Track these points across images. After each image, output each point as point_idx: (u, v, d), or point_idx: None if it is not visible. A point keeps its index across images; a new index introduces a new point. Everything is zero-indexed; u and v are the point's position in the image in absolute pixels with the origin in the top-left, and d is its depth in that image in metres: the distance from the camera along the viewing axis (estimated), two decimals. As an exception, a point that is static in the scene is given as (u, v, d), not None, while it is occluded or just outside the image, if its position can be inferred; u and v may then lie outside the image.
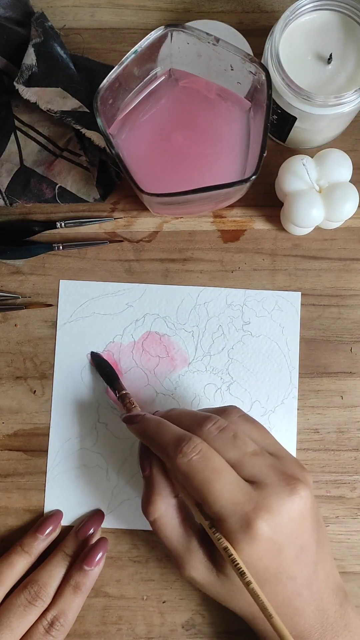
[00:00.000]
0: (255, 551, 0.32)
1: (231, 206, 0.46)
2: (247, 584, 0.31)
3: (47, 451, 0.44)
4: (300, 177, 0.41)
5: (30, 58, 0.42)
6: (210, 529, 0.33)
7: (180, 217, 0.46)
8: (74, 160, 0.44)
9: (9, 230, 0.45)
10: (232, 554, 0.32)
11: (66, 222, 0.45)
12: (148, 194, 0.36)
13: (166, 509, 0.36)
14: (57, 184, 0.44)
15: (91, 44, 0.47)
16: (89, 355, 0.44)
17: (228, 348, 0.44)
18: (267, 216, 0.46)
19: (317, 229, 0.44)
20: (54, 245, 0.45)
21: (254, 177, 0.36)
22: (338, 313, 0.45)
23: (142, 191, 0.36)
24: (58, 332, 0.44)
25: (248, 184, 0.37)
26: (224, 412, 0.37)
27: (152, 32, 0.37)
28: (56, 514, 0.43)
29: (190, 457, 0.33)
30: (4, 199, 0.44)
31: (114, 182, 0.45)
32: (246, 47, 0.45)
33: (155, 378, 0.44)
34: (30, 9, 0.46)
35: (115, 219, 0.46)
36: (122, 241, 0.46)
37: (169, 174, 0.41)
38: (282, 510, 0.32)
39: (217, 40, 0.37)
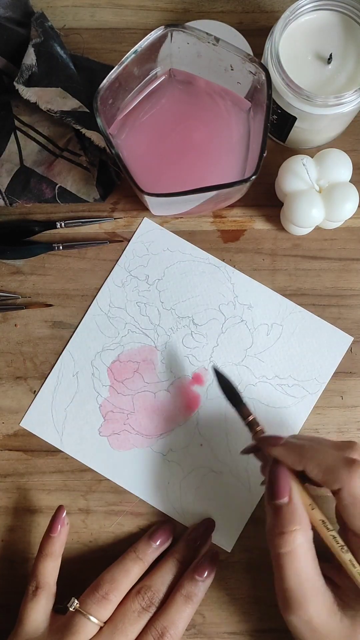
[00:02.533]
0: None
1: (231, 206, 0.46)
2: None
3: (47, 451, 0.44)
4: (300, 177, 0.41)
5: (30, 58, 0.42)
6: (350, 562, 0.31)
7: (180, 217, 0.46)
8: (74, 160, 0.44)
9: (9, 230, 0.45)
10: None
11: (66, 222, 0.45)
12: (148, 194, 0.36)
13: (304, 542, 0.33)
14: (57, 184, 0.44)
15: (91, 44, 0.47)
16: (212, 370, 0.42)
17: (159, 306, 0.45)
18: (267, 216, 0.46)
19: (317, 229, 0.44)
20: (54, 245, 0.45)
21: (254, 177, 0.36)
22: (338, 313, 0.45)
23: (142, 191, 0.36)
24: (65, 451, 0.44)
25: (248, 184, 0.37)
26: (352, 446, 0.35)
27: (152, 32, 0.37)
28: (169, 523, 0.42)
29: None
30: (4, 199, 0.44)
31: (114, 182, 0.45)
32: (246, 47, 0.45)
33: (152, 384, 0.44)
34: (30, 9, 0.46)
35: (115, 219, 0.46)
36: (122, 241, 0.46)
37: (169, 174, 0.41)
38: None
39: (217, 40, 0.37)
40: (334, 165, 0.41)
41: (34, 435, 0.44)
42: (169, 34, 0.38)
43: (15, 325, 0.45)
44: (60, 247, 0.45)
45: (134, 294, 0.45)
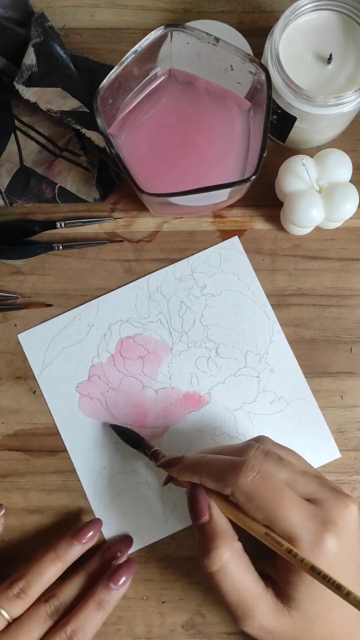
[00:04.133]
0: (328, 568, 0.31)
1: (231, 206, 0.46)
2: (347, 595, 0.29)
3: (47, 451, 0.44)
4: (300, 177, 0.41)
5: (30, 58, 0.42)
6: (289, 553, 0.31)
7: (180, 217, 0.46)
8: (74, 160, 0.44)
9: (9, 230, 0.45)
10: (321, 571, 0.30)
11: (66, 222, 0.45)
12: (148, 194, 0.36)
13: (232, 555, 0.33)
14: (57, 184, 0.44)
15: (91, 44, 0.47)
16: (107, 427, 0.44)
17: (198, 317, 0.45)
18: (267, 216, 0.46)
19: (317, 229, 0.44)
20: (54, 245, 0.45)
21: (254, 177, 0.36)
22: (338, 313, 0.45)
23: (142, 191, 0.36)
24: (39, 381, 0.44)
25: (248, 184, 0.37)
26: (257, 441, 0.37)
27: (152, 32, 0.37)
28: (96, 522, 0.41)
29: (252, 477, 0.32)
30: (4, 199, 0.44)
31: (114, 182, 0.45)
32: (246, 47, 0.45)
33: (147, 378, 0.44)
34: (30, 9, 0.46)
35: (115, 219, 0.46)
36: (122, 241, 0.46)
37: (168, 174, 0.41)
38: (344, 523, 0.33)
39: (217, 40, 0.37)
40: (334, 165, 0.41)
41: (34, 435, 0.44)
42: (169, 34, 0.38)
43: (15, 325, 0.45)
44: (60, 247, 0.45)
45: (184, 293, 0.45)
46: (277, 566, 0.35)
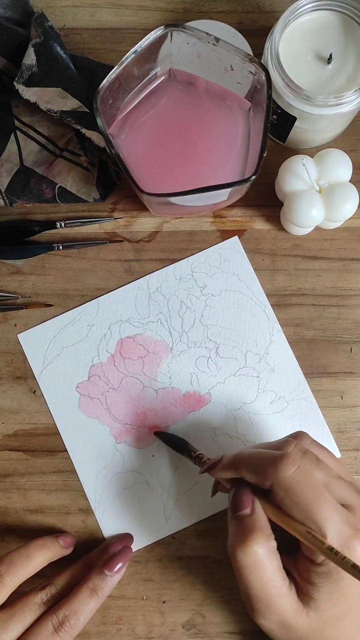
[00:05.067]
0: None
1: (231, 206, 0.46)
2: None
3: (47, 451, 0.44)
4: (300, 177, 0.41)
5: (30, 58, 0.42)
6: (330, 550, 0.31)
7: (180, 217, 0.46)
8: (74, 160, 0.44)
9: (9, 230, 0.45)
10: None
11: (66, 222, 0.45)
12: (148, 194, 0.36)
13: (267, 552, 0.33)
14: (57, 184, 0.44)
15: (91, 44, 0.47)
16: (154, 435, 0.44)
17: (198, 317, 0.45)
18: (267, 216, 0.46)
19: (317, 229, 0.44)
20: (54, 245, 0.45)
21: (254, 177, 0.36)
22: (338, 313, 0.45)
23: (142, 191, 0.36)
24: (39, 381, 0.44)
25: (248, 184, 0.37)
26: (295, 437, 0.36)
27: (152, 32, 0.37)
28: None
29: (292, 470, 0.32)
30: (4, 199, 0.44)
31: (114, 182, 0.45)
32: (246, 47, 0.45)
33: (147, 378, 0.44)
34: (30, 9, 0.46)
35: (115, 219, 0.46)
36: (122, 241, 0.46)
37: (168, 174, 0.41)
38: None
39: (217, 40, 0.37)
40: (334, 165, 0.41)
41: (34, 435, 0.44)
42: (169, 34, 0.38)
43: (15, 325, 0.45)
44: (60, 247, 0.45)
45: (184, 293, 0.45)
46: (300, 566, 0.35)
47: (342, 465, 0.38)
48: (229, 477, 0.36)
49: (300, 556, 0.35)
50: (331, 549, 0.31)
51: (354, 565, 0.30)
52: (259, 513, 0.34)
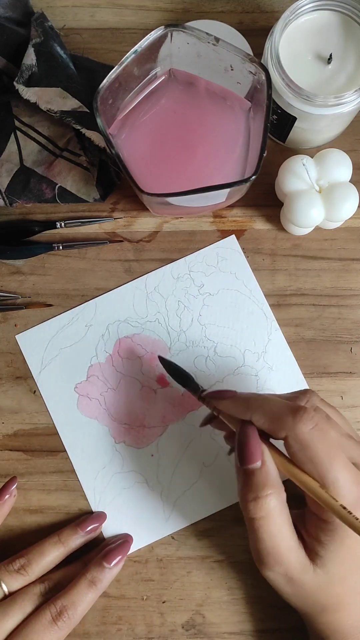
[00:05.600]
0: None
1: (231, 206, 0.46)
2: None
3: (47, 451, 0.44)
4: (300, 177, 0.41)
5: (30, 58, 0.42)
6: (343, 509, 0.31)
7: (180, 217, 0.46)
8: (74, 160, 0.44)
9: (9, 230, 0.45)
10: None
11: (66, 222, 0.45)
12: (148, 194, 0.36)
13: (278, 504, 0.33)
14: (57, 184, 0.44)
15: (91, 44, 0.47)
16: (158, 360, 0.43)
17: (196, 317, 0.45)
18: (267, 216, 0.46)
19: (317, 229, 0.44)
20: (54, 245, 0.45)
21: (254, 177, 0.36)
22: (338, 313, 0.45)
23: (142, 191, 0.36)
24: (38, 382, 0.44)
25: (248, 184, 0.37)
26: (305, 393, 0.36)
27: (152, 32, 0.37)
28: (100, 515, 0.42)
29: (311, 427, 0.32)
30: (4, 199, 0.44)
31: (114, 182, 0.45)
32: (246, 47, 0.45)
33: (146, 378, 0.44)
34: (30, 9, 0.46)
35: (115, 219, 0.46)
36: (122, 241, 0.46)
37: (169, 174, 0.41)
38: None
39: (217, 40, 0.37)
40: (334, 165, 0.41)
41: (34, 435, 0.44)
42: (169, 34, 0.38)
43: (15, 325, 0.45)
44: (60, 247, 0.45)
45: (182, 292, 0.45)
46: (307, 522, 0.35)
47: (350, 424, 0.37)
48: (234, 415, 0.35)
49: (308, 512, 0.35)
50: (344, 507, 0.31)
51: None
52: (270, 466, 0.33)
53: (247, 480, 0.33)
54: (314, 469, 0.32)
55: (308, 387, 0.44)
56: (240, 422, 0.35)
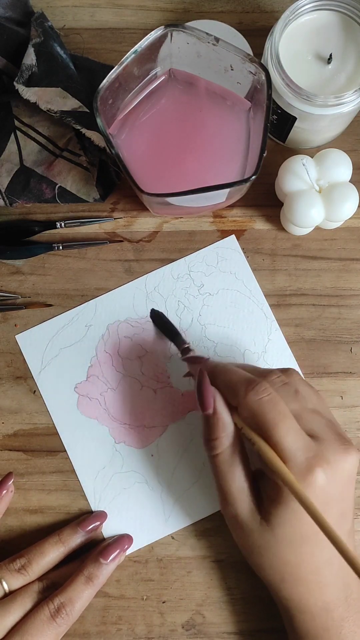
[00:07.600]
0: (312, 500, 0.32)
1: (231, 206, 0.46)
2: (315, 517, 0.31)
3: (47, 451, 0.44)
4: (300, 177, 0.41)
5: (30, 58, 0.42)
6: (284, 468, 0.33)
7: (180, 217, 0.46)
8: (74, 160, 0.44)
9: (9, 230, 0.45)
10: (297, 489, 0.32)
11: (66, 222, 0.45)
12: (148, 194, 0.36)
13: (230, 445, 0.35)
14: (57, 184, 0.44)
15: (91, 44, 0.47)
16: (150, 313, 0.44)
17: (196, 317, 0.45)
18: (267, 216, 0.46)
19: (317, 229, 0.44)
20: (54, 245, 0.45)
21: (254, 177, 0.36)
22: (338, 313, 0.45)
23: (142, 191, 0.37)
24: (38, 382, 0.44)
25: (248, 184, 0.37)
26: (285, 371, 0.37)
27: (152, 32, 0.37)
28: (101, 514, 0.43)
29: (261, 397, 0.34)
30: (4, 199, 0.44)
31: (114, 182, 0.45)
32: (246, 47, 0.45)
33: (146, 378, 0.44)
34: (30, 9, 0.46)
35: (115, 219, 0.46)
36: (122, 241, 0.46)
37: (169, 174, 0.41)
38: (337, 465, 0.33)
39: (217, 40, 0.37)
40: (334, 165, 0.41)
41: (34, 435, 0.44)
42: (169, 34, 0.38)
43: (15, 325, 0.45)
44: (60, 247, 0.45)
45: (182, 292, 0.45)
46: (264, 479, 0.36)
47: (325, 405, 0.38)
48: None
49: (266, 470, 0.35)
50: (284, 467, 0.33)
51: (305, 502, 0.31)
52: (222, 413, 0.35)
53: (204, 424, 0.36)
54: (262, 434, 0.34)
55: (290, 369, 0.41)
56: (197, 373, 0.37)
